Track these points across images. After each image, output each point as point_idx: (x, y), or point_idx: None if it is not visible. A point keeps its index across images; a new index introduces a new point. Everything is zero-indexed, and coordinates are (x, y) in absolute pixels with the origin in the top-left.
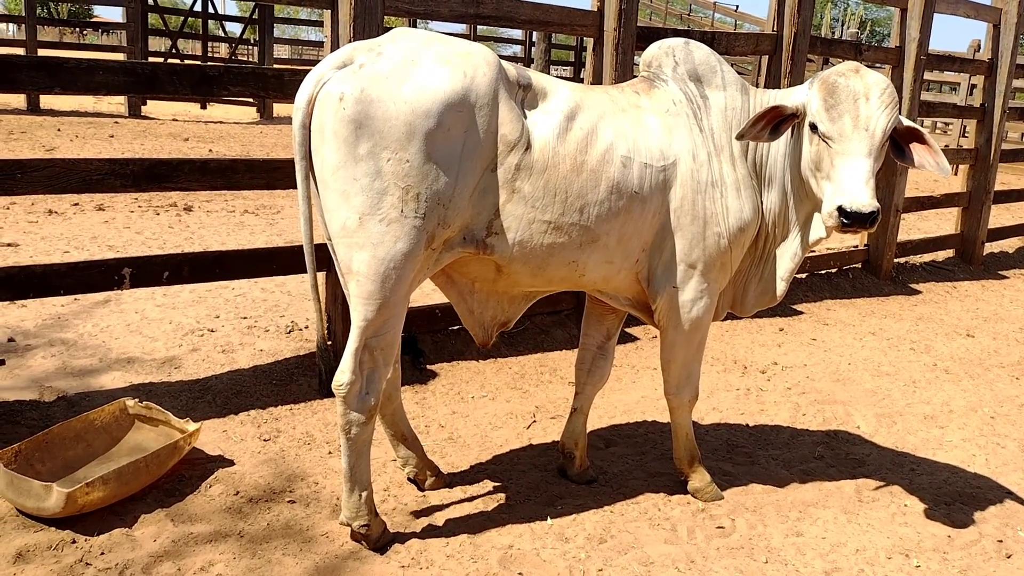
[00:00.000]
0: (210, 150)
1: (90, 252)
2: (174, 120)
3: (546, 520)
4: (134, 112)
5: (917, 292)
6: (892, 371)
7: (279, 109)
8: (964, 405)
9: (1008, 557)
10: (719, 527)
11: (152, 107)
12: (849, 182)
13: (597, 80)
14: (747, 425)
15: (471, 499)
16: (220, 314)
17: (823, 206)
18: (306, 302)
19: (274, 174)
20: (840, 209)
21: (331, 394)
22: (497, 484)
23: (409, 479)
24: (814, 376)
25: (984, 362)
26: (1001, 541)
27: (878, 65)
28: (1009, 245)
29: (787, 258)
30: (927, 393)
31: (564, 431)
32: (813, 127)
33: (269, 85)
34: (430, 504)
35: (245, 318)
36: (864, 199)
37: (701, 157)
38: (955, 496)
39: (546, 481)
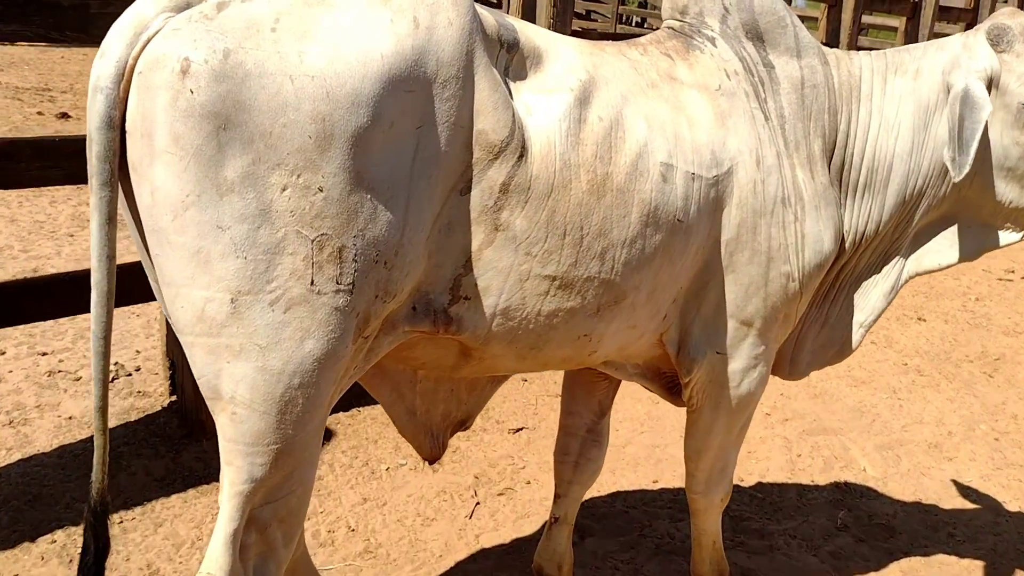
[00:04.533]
0: None
1: None
2: None
3: None
4: None
5: None
6: (866, 376)
7: None
8: (959, 423)
9: None
10: None
11: None
12: None
13: (528, 19)
14: (742, 483)
15: None
16: (7, 348)
17: None
18: (129, 319)
19: (82, 160)
20: None
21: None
22: None
23: None
24: (789, 393)
25: (951, 356)
26: None
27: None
28: None
29: (878, 295)
30: (914, 407)
31: (541, 549)
32: None
33: (67, 22)
34: None
35: (44, 354)
36: None
37: (768, 160)
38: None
39: None
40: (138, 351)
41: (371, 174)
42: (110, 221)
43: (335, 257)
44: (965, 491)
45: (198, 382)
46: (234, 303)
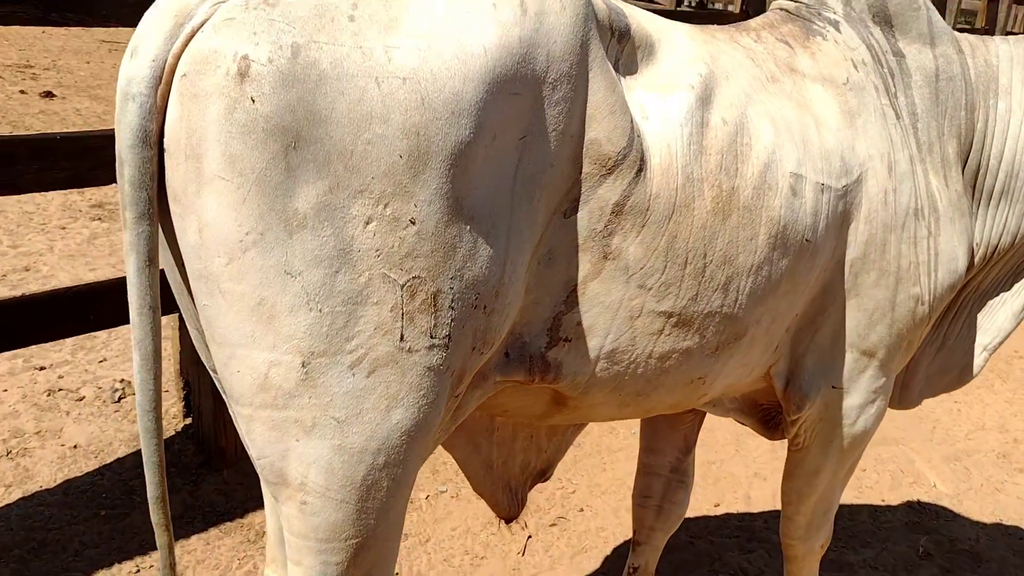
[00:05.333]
0: None
1: None
2: None
3: None
4: None
5: None
6: None
7: None
8: (1022, 426)
9: None
10: None
11: None
12: None
13: None
14: None
15: None
16: (0, 360)
17: None
18: None
19: (87, 159)
20: None
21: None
22: None
23: None
24: None
25: (999, 352)
26: None
27: None
28: None
29: (1006, 315)
30: (973, 411)
31: None
32: None
33: (68, 1)
34: None
35: (41, 368)
36: None
37: (901, 166)
38: None
39: None
40: None
41: (470, 200)
42: (151, 263)
43: (429, 305)
44: None
45: (256, 464)
46: (306, 367)
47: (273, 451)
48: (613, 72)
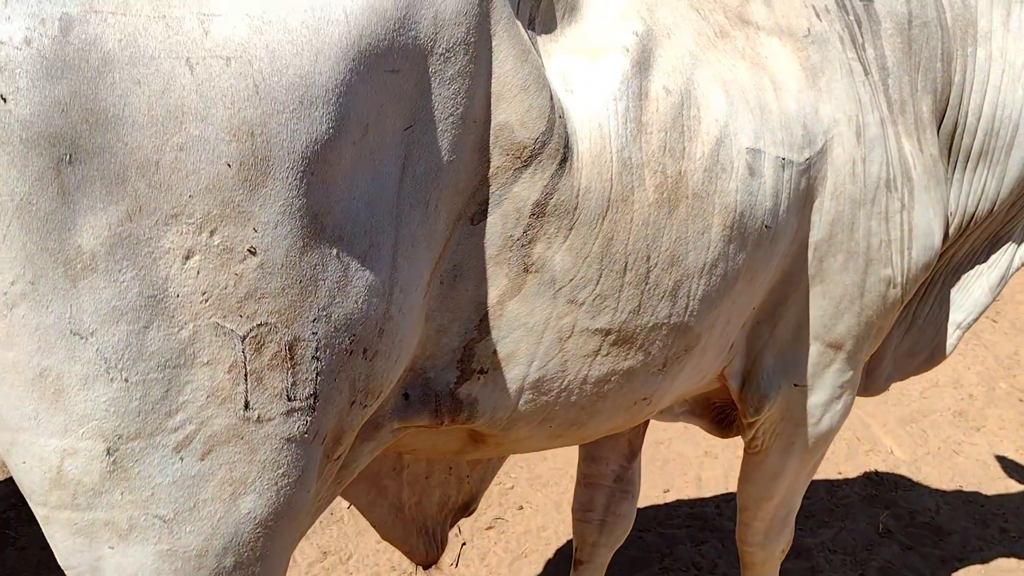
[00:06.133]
0: None
1: None
2: None
3: None
4: None
5: None
6: None
7: None
8: (977, 381)
9: None
10: None
11: None
12: None
13: None
14: None
15: None
16: None
17: None
18: None
19: None
20: None
21: None
22: None
23: None
24: None
25: None
26: None
27: None
28: None
29: (982, 289)
30: None
31: None
32: None
33: None
34: None
35: None
36: None
37: (871, 131)
38: None
39: None
40: None
41: (336, 215)
42: None
43: (283, 359)
44: (1006, 468)
45: (66, 573)
46: (113, 455)
47: (81, 561)
48: (525, 35)
